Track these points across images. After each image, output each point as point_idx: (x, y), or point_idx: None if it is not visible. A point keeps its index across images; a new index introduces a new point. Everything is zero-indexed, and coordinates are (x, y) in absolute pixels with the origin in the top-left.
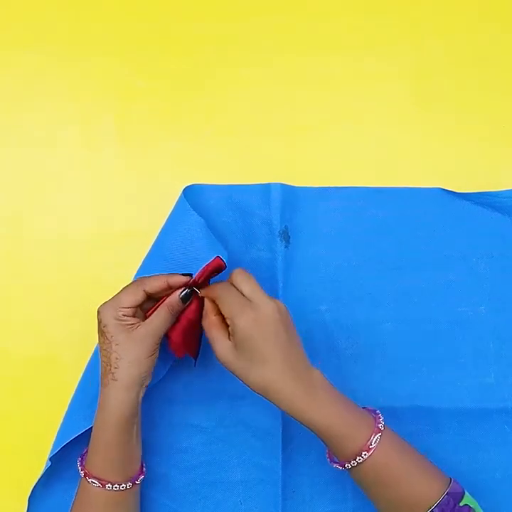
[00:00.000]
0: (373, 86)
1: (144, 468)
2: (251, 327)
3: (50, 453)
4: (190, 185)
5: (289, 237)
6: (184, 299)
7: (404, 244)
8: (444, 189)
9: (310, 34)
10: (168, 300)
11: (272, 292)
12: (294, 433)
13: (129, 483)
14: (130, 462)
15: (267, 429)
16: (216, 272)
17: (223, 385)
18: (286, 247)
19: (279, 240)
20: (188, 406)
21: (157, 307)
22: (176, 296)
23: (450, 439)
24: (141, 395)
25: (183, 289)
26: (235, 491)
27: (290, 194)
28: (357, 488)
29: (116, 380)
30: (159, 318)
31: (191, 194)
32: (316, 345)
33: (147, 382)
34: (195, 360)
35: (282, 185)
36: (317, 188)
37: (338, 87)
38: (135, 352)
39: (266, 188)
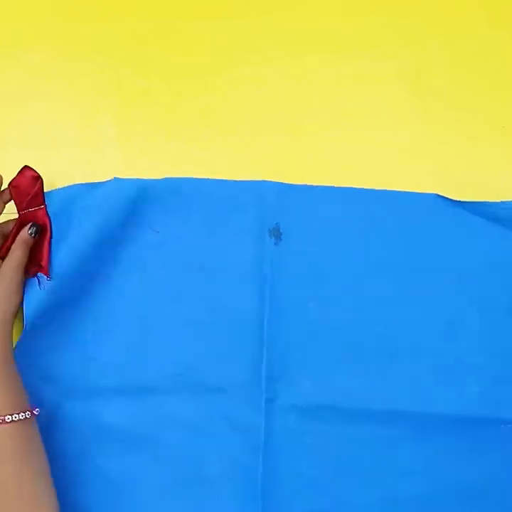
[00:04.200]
0: (373, 86)
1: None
2: None
3: None
4: (178, 178)
5: (281, 233)
6: (35, 234)
7: (396, 247)
8: (439, 196)
9: (310, 34)
10: (21, 239)
11: (258, 288)
12: (276, 429)
13: (28, 412)
14: (20, 394)
15: (248, 424)
16: (32, 184)
17: (203, 376)
18: (275, 244)
19: (268, 236)
20: (170, 398)
21: (9, 244)
22: (26, 234)
23: (430, 445)
24: (12, 327)
25: (30, 225)
26: (214, 488)
27: (284, 192)
28: (339, 487)
29: None
30: (18, 253)
31: (190, 187)
32: (302, 343)
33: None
34: (48, 275)
35: (275, 182)
36: (313, 186)
37: (338, 87)
38: (3, 288)
39: (258, 185)
